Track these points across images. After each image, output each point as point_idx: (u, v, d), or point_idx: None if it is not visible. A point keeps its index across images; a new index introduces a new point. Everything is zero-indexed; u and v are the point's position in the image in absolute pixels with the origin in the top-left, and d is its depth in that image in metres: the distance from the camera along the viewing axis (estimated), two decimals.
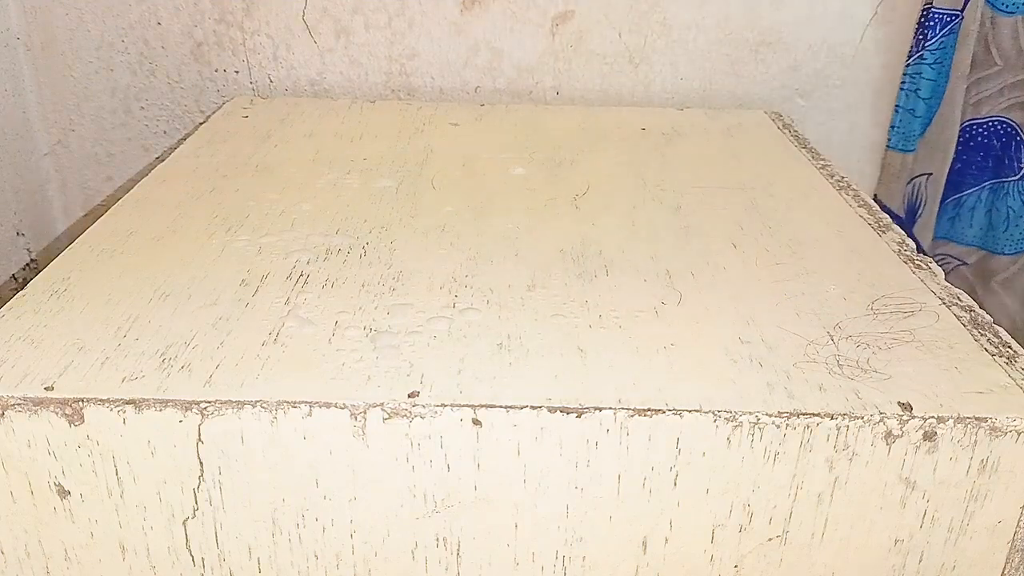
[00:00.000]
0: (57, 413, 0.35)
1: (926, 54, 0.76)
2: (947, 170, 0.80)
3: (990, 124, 0.80)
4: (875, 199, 0.86)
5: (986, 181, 0.81)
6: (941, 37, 0.75)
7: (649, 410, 0.35)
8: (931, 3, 0.75)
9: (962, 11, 0.75)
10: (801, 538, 0.38)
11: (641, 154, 0.66)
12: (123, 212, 0.54)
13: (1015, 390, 0.37)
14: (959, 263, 0.84)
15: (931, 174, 0.80)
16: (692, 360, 0.39)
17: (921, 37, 0.76)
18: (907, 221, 0.82)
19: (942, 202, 0.82)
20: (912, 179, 0.81)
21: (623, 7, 0.79)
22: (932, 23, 0.75)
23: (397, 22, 0.80)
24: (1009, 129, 0.80)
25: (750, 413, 0.35)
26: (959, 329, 0.42)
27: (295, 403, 0.35)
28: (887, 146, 0.82)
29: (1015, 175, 0.80)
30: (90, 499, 0.37)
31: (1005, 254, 0.82)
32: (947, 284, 0.46)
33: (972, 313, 0.43)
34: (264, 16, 0.80)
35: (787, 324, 0.42)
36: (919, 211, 0.82)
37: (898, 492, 0.37)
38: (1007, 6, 0.75)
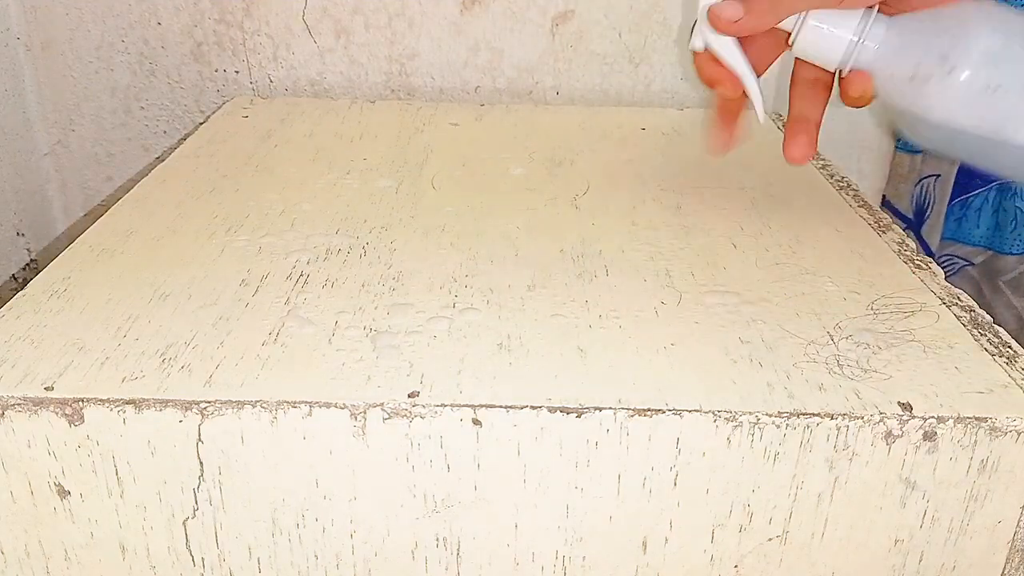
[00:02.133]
0: (57, 413, 0.35)
1: None
2: (956, 171, 0.79)
3: None
4: (883, 200, 0.86)
5: (993, 181, 0.80)
6: None
7: (649, 410, 0.35)
8: None
9: None
10: (801, 538, 0.38)
11: (641, 154, 0.66)
12: (123, 212, 0.54)
13: (1015, 390, 0.37)
14: (966, 263, 0.83)
15: (939, 175, 0.80)
16: (692, 360, 0.39)
17: None
18: (915, 222, 0.82)
19: (949, 203, 0.81)
20: (920, 180, 0.80)
21: (623, 7, 0.79)
22: None
23: (397, 22, 0.80)
24: None
25: (750, 413, 0.35)
26: (959, 329, 0.42)
27: (295, 403, 0.35)
28: (896, 147, 0.82)
29: None
30: (90, 499, 0.37)
31: (1012, 254, 0.81)
32: (947, 284, 0.46)
33: (972, 313, 0.43)
34: (264, 16, 0.80)
35: (787, 324, 0.42)
36: (927, 212, 0.82)
37: (898, 492, 0.37)
38: (1019, 2, 0.73)
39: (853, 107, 0.47)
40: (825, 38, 0.46)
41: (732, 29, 0.46)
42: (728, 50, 0.48)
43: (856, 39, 0.45)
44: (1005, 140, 0.45)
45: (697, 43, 0.49)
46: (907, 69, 0.44)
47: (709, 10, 0.46)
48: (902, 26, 0.45)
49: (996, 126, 0.44)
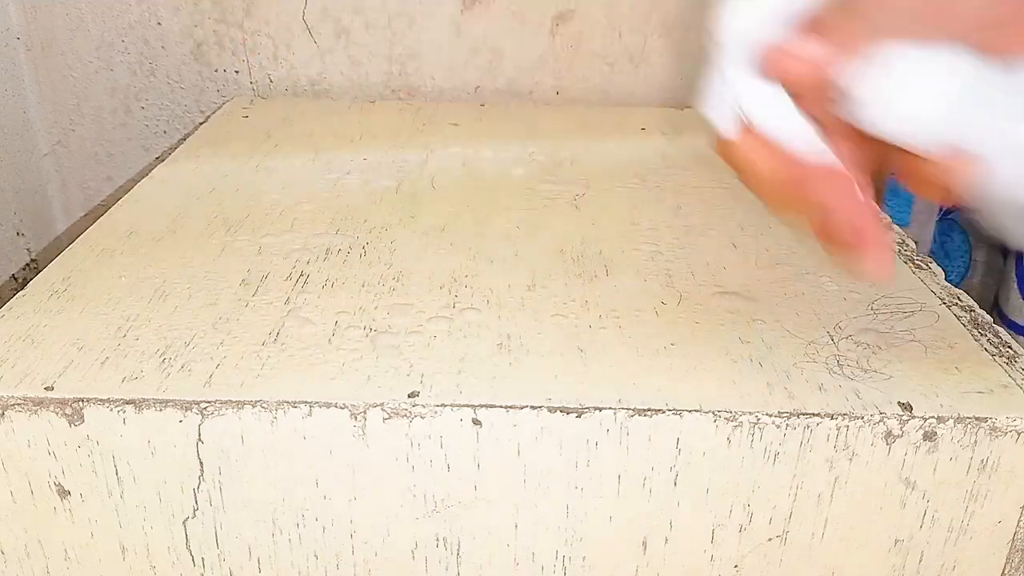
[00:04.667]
0: (57, 413, 0.35)
1: None
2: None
3: None
4: None
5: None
6: None
7: (649, 410, 0.35)
8: None
9: None
10: (801, 538, 0.38)
11: (641, 154, 0.66)
12: (123, 212, 0.54)
13: (1015, 390, 0.37)
14: None
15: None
16: (692, 360, 0.39)
17: None
18: None
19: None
20: None
21: (623, 7, 0.79)
22: None
23: (397, 22, 0.80)
24: None
25: (750, 413, 0.35)
26: (959, 329, 0.42)
27: (295, 403, 0.35)
28: None
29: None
30: (90, 499, 0.37)
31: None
32: (947, 284, 0.46)
33: (972, 313, 0.43)
34: (264, 16, 0.80)
35: (787, 324, 0.42)
36: None
37: (898, 492, 0.37)
38: None
39: (929, 198, 0.30)
40: (925, 92, 0.27)
41: (809, 71, 0.28)
42: (789, 120, 0.30)
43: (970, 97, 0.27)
44: None
45: (724, 114, 0.30)
46: None
47: (765, 54, 0.28)
48: None
49: None
